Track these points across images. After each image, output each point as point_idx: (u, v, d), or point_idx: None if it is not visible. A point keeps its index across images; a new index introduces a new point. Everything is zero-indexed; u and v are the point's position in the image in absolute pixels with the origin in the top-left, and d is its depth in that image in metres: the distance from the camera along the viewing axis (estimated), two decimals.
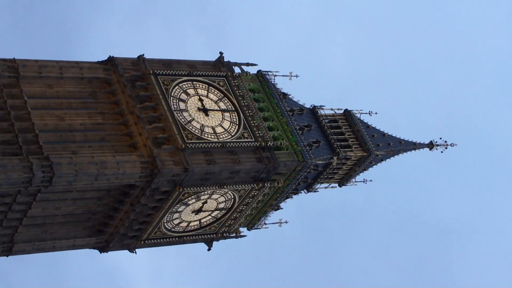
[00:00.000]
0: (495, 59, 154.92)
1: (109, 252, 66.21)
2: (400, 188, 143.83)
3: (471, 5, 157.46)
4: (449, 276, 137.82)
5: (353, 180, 74.40)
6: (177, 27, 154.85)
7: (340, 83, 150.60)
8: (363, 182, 74.89)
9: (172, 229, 66.83)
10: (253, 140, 64.71)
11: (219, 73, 68.18)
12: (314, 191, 73.20)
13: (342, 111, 74.79)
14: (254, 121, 66.25)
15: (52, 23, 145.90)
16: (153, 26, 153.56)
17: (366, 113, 74.95)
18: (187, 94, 65.46)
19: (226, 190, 64.60)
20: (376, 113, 75.39)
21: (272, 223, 71.76)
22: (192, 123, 63.37)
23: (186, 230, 68.00)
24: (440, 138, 77.87)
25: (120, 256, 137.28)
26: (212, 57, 69.56)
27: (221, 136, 63.87)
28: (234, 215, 68.64)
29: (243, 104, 67.06)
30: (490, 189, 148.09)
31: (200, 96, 66.12)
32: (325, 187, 73.85)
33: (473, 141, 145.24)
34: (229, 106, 66.81)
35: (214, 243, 71.06)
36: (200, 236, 69.31)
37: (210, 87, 67.07)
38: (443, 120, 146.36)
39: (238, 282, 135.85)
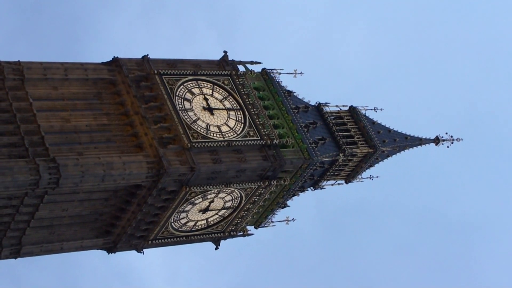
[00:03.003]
0: (508, 55, 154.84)
1: (121, 253, 66.54)
2: (421, 184, 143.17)
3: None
4: (472, 273, 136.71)
5: (360, 176, 74.37)
6: (187, 23, 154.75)
7: (352, 79, 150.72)
8: (370, 178, 74.87)
9: (180, 229, 66.88)
10: (259, 138, 64.71)
11: (224, 72, 68.18)
12: (321, 188, 73.19)
13: (347, 108, 74.72)
14: (260, 119, 66.24)
15: (59, 23, 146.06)
16: (162, 23, 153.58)
17: (372, 109, 74.98)
18: (192, 93, 65.49)
19: (233, 189, 64.61)
20: (381, 109, 75.40)
21: (279, 221, 71.81)
22: (197, 122, 63.39)
23: (193, 229, 68.04)
24: (446, 133, 78.01)
25: (133, 257, 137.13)
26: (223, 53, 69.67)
27: (226, 135, 63.88)
28: (241, 214, 68.66)
29: (248, 102, 67.07)
30: None
31: (205, 95, 66.13)
32: (332, 184, 73.82)
33: (494, 135, 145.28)
34: (234, 105, 66.81)
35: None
36: (207, 235, 69.33)
37: (215, 86, 67.09)
38: (462, 114, 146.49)
39: (255, 281, 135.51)
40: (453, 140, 77.90)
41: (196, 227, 68.10)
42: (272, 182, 65.19)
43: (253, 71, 70.19)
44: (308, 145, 66.58)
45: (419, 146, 77.33)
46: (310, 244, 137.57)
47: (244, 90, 67.82)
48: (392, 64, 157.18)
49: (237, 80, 68.07)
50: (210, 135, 62.91)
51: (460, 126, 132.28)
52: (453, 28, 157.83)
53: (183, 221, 66.18)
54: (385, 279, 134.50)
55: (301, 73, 71.60)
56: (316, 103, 73.34)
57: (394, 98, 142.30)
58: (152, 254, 64.77)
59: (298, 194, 71.81)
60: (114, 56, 64.45)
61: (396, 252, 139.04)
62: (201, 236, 69.08)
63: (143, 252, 66.77)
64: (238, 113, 66.40)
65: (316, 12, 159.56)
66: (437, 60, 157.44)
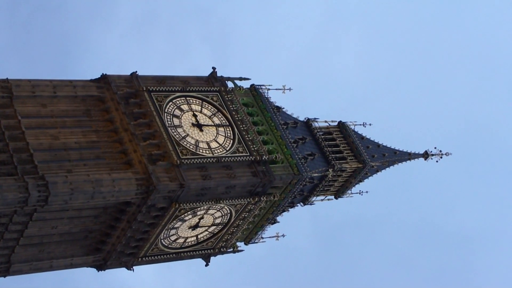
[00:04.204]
0: (498, 69, 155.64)
1: (113, 269, 66.13)
2: (417, 197, 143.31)
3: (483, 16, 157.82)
4: (469, 284, 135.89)
5: (349, 191, 74.41)
6: (180, 38, 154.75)
7: (342, 94, 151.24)
8: (359, 193, 74.93)
9: (169, 246, 66.70)
10: (248, 154, 64.72)
11: (212, 88, 68.26)
12: (310, 204, 73.18)
13: (336, 123, 74.89)
14: (249, 135, 66.28)
15: (49, 40, 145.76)
16: (155, 38, 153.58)
17: (361, 125, 75.18)
18: (181, 110, 65.51)
19: (222, 205, 64.54)
20: (370, 124, 75.58)
21: (269, 237, 71.74)
22: (186, 138, 63.38)
23: (183, 246, 67.86)
24: (435, 148, 78.20)
25: (125, 274, 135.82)
26: (217, 68, 69.79)
27: (216, 151, 63.87)
28: (231, 230, 68.54)
29: (237, 118, 67.12)
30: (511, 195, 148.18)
31: (194, 112, 66.17)
32: (321, 200, 73.84)
33: (491, 148, 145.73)
34: (223, 121, 66.85)
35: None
36: (197, 252, 69.14)
37: (204, 102, 67.13)
38: (453, 128, 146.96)
39: None
40: (442, 154, 78.12)
41: (186, 244, 67.93)
42: (261, 198, 65.16)
43: (242, 87, 70.27)
44: (297, 160, 66.62)
45: (408, 161, 77.49)
46: (306, 260, 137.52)
47: (233, 106, 67.88)
48: (381, 80, 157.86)
49: (226, 96, 68.14)
50: (199, 151, 62.90)
51: (450, 140, 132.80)
52: (444, 43, 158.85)
53: (173, 238, 66.02)
54: None
55: (289, 89, 71.85)
56: (305, 118, 73.49)
57: (383, 112, 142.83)
58: (145, 270, 64.38)
59: (288, 210, 71.82)
60: (102, 73, 64.52)
61: (393, 266, 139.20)
62: (191, 252, 68.90)
63: (133, 270, 66.53)
64: (227, 129, 66.43)
65: (309, 27, 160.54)
66: (426, 75, 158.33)
